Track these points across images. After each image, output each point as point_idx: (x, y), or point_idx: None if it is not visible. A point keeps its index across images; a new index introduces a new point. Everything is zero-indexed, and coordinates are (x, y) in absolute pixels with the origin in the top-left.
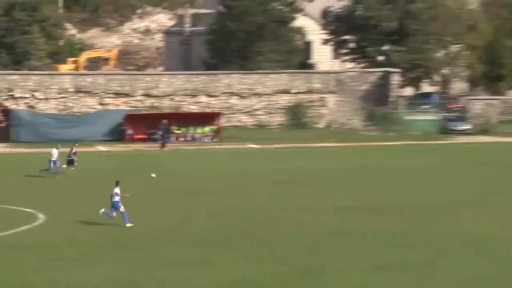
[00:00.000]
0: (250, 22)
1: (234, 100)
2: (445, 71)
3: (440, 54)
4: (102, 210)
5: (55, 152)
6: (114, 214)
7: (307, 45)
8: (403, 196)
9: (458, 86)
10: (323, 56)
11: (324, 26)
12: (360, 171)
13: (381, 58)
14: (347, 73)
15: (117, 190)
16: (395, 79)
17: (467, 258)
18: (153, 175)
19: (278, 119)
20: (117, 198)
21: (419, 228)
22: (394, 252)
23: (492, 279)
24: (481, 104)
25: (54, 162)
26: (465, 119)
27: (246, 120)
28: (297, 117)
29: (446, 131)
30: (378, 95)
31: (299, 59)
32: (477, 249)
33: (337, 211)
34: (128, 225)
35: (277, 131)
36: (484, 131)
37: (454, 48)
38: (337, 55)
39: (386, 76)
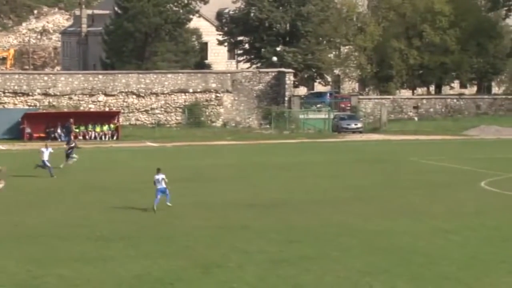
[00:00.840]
0: (146, 23)
1: (132, 99)
2: (337, 71)
3: (331, 55)
4: (155, 206)
5: (45, 152)
6: (159, 196)
7: (203, 46)
8: (299, 192)
9: (350, 86)
10: (219, 56)
11: (219, 28)
12: (257, 168)
13: (275, 58)
14: (242, 73)
15: (161, 176)
16: (289, 79)
17: (360, 251)
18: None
19: (176, 117)
20: (161, 185)
21: (314, 223)
22: (291, 246)
23: (384, 272)
24: (371, 104)
25: (45, 162)
26: (356, 118)
27: (144, 118)
28: (194, 115)
29: (338, 130)
30: (273, 94)
31: (195, 59)
32: (368, 242)
33: (234, 207)
34: (169, 204)
35: (175, 130)
36: (374, 130)
37: (345, 49)
38: (232, 55)
39: (280, 76)
